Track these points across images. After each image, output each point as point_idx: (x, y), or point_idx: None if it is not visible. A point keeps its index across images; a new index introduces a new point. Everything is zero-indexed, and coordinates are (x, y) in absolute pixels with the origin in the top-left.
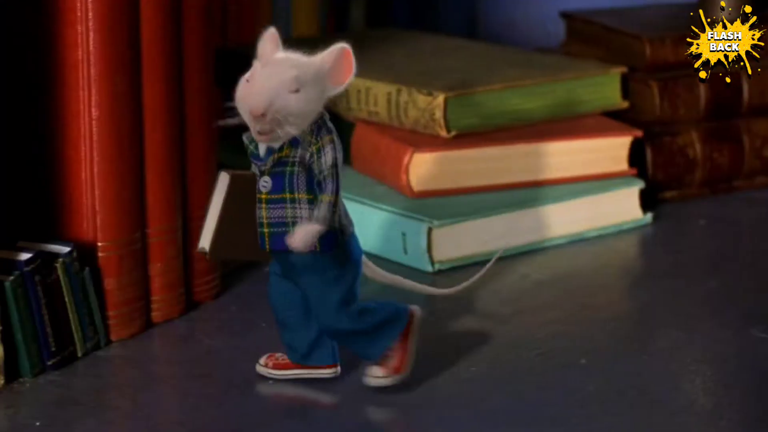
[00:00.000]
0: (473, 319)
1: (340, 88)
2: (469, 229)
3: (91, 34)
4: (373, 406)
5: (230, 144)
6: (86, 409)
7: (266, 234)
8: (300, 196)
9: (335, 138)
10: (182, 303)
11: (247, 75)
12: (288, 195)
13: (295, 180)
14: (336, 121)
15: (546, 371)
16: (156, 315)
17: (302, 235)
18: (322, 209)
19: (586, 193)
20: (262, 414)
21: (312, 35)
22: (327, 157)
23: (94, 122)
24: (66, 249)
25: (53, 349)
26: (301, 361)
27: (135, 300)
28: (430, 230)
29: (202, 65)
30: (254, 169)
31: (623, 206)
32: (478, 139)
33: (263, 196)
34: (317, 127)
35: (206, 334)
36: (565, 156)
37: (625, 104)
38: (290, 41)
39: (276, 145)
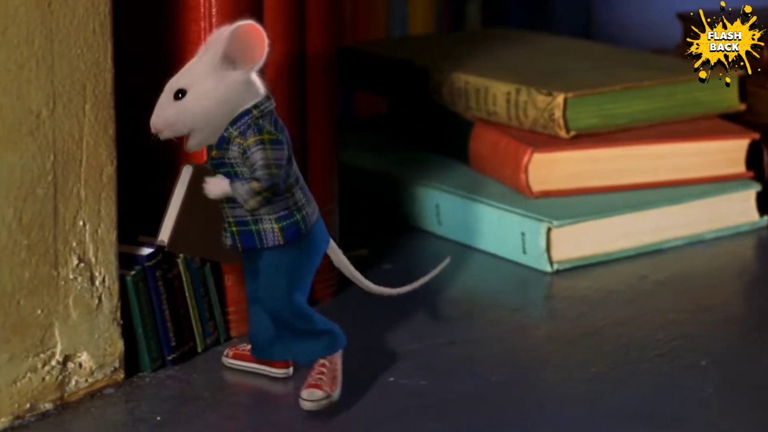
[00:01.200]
0: (593, 319)
1: (253, 68)
2: (588, 229)
3: (215, 30)
4: (492, 403)
5: (352, 141)
6: (206, 405)
7: (235, 233)
8: None
9: (266, 136)
10: None
11: None
12: None
13: (238, 180)
14: (455, 120)
15: (665, 372)
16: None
17: (213, 186)
18: (241, 190)
19: (704, 195)
20: (387, 408)
21: (427, 34)
22: (254, 157)
23: None
24: None
25: (173, 344)
26: (256, 356)
27: None
28: (549, 230)
29: (325, 64)
30: None
31: (740, 209)
32: (597, 140)
33: (222, 198)
34: (246, 127)
35: None
36: (682, 158)
37: (742, 107)
38: (406, 39)
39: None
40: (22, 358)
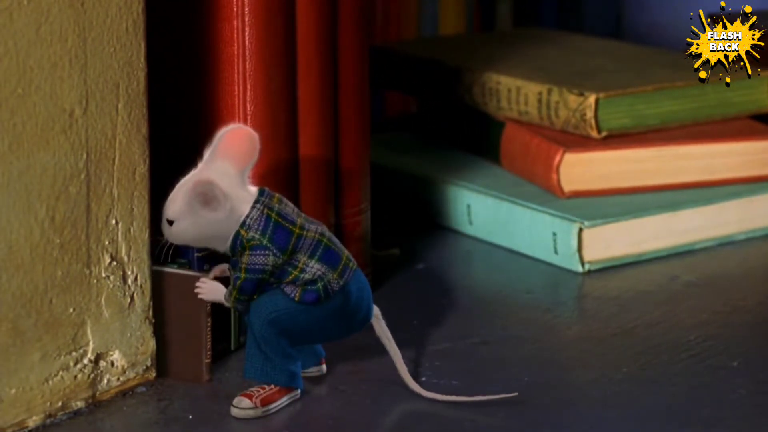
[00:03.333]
0: (624, 320)
1: (250, 165)
2: (620, 229)
3: (247, 29)
4: (524, 403)
5: (382, 141)
6: None
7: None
8: (273, 281)
9: (247, 244)
10: None
11: None
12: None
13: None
14: (486, 120)
15: (698, 373)
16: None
17: (209, 289)
18: (229, 293)
19: (735, 196)
20: (419, 408)
21: (458, 34)
22: (242, 263)
23: (248, 117)
24: None
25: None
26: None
27: None
28: (580, 230)
29: (357, 62)
30: None
31: None
32: (628, 140)
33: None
34: (235, 242)
35: None
36: (713, 158)
37: None
38: (437, 39)
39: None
40: (54, 357)
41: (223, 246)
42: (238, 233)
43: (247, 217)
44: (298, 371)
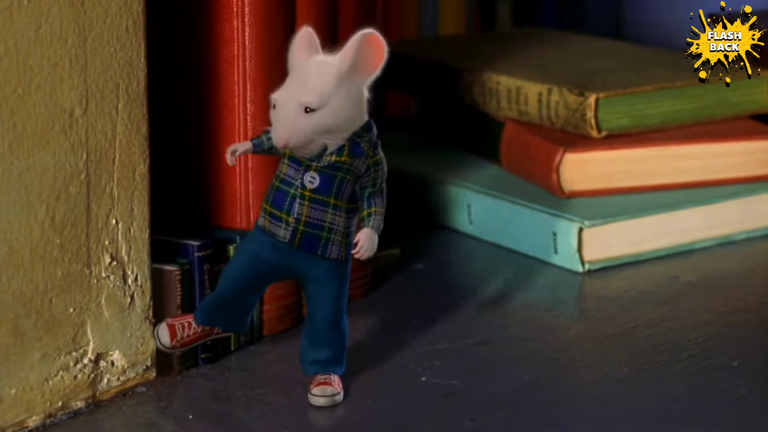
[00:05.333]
0: (624, 320)
1: (372, 76)
2: (620, 229)
3: (247, 29)
4: (525, 403)
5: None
6: (238, 403)
7: (299, 231)
8: (342, 204)
9: (382, 155)
10: None
11: (274, 95)
12: (333, 200)
13: (343, 187)
14: (486, 120)
15: (698, 373)
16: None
17: (370, 244)
18: (379, 220)
19: (735, 195)
20: (419, 407)
21: (458, 34)
22: (383, 171)
23: (248, 117)
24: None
25: (208, 343)
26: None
27: (288, 295)
28: (581, 230)
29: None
30: (288, 159)
31: None
32: (628, 140)
33: (306, 192)
34: (373, 142)
35: (357, 330)
36: (713, 158)
37: None
38: (437, 39)
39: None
40: (54, 357)
41: (334, 144)
42: (373, 127)
43: (370, 131)
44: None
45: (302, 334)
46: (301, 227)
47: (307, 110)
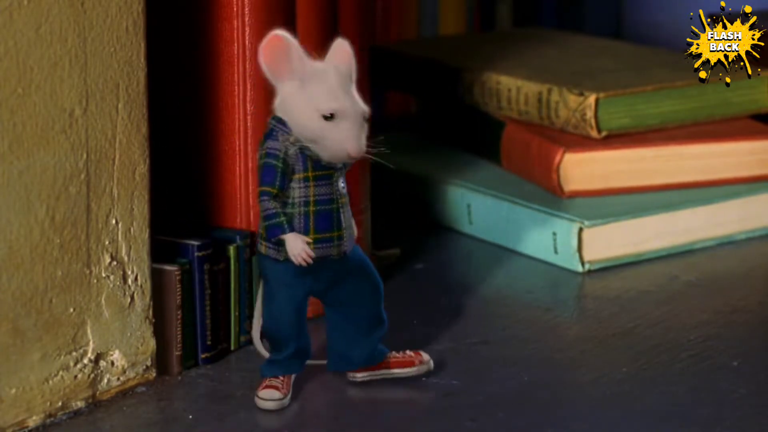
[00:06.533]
0: (624, 319)
1: None
2: (620, 229)
3: (247, 29)
4: (525, 403)
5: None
6: (239, 403)
7: (344, 237)
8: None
9: None
10: None
11: (323, 108)
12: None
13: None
14: (486, 120)
15: (698, 373)
16: (311, 309)
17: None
18: None
19: (735, 195)
20: (420, 407)
21: (458, 34)
22: None
23: (249, 117)
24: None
25: (209, 343)
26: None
27: None
28: (580, 230)
29: (358, 61)
30: (313, 180)
31: None
32: (628, 140)
33: (343, 199)
34: None
35: None
36: (713, 158)
37: None
38: (437, 39)
39: None
40: (55, 357)
41: None
42: None
43: None
44: None
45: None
46: (351, 231)
47: (364, 119)
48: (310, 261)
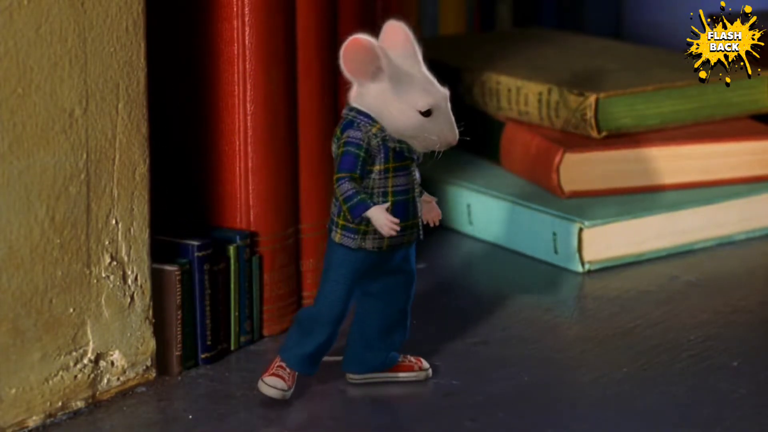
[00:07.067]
0: (624, 320)
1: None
2: (620, 229)
3: (247, 29)
4: (525, 403)
5: None
6: (239, 403)
7: (418, 225)
8: None
9: None
10: None
11: (421, 106)
12: None
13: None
14: (486, 119)
15: (697, 373)
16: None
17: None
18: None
19: (735, 196)
20: (420, 407)
21: (458, 33)
22: None
23: (249, 117)
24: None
25: (209, 343)
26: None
27: (287, 295)
28: (580, 230)
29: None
30: (393, 172)
31: None
32: (628, 141)
33: (418, 190)
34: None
35: None
36: (713, 159)
37: None
38: (437, 39)
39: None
40: (54, 357)
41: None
42: None
43: None
44: None
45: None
46: (419, 220)
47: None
48: (398, 228)
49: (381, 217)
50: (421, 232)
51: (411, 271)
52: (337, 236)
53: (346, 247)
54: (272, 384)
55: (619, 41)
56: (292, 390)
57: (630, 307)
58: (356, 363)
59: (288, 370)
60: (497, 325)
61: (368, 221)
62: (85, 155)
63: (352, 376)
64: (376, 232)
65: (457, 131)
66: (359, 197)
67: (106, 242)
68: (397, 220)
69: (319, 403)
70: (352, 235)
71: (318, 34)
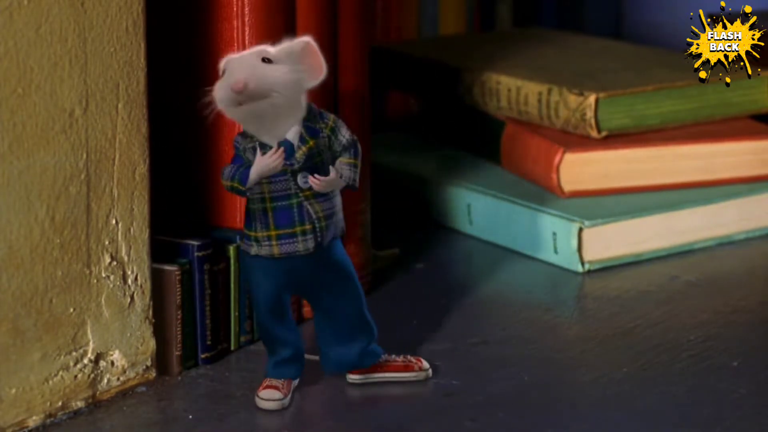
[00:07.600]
0: (624, 320)
1: (314, 83)
2: (620, 229)
3: (247, 29)
4: (525, 403)
5: (383, 141)
6: (239, 403)
7: (322, 229)
8: None
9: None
10: None
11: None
12: None
13: (326, 168)
14: (486, 119)
15: (697, 373)
16: (307, 310)
17: (328, 182)
18: (348, 169)
19: (735, 195)
20: (420, 407)
21: (458, 34)
22: (343, 129)
23: None
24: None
25: (209, 343)
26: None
27: None
28: (580, 230)
29: (357, 62)
30: (265, 168)
31: None
32: (628, 140)
33: (307, 192)
34: (318, 112)
35: None
36: (713, 158)
37: None
38: (437, 39)
39: (291, 138)
40: (54, 357)
41: (291, 108)
42: (309, 125)
43: (311, 111)
44: None
45: (323, 339)
46: (322, 224)
47: (264, 61)
48: (282, 156)
49: (263, 162)
50: (317, 238)
51: (351, 281)
52: (242, 243)
53: (246, 253)
54: (267, 397)
55: (619, 41)
56: (289, 397)
57: (630, 307)
58: (329, 363)
59: (280, 380)
60: (497, 325)
61: (258, 227)
62: (85, 155)
63: (352, 376)
64: (267, 238)
65: (233, 78)
66: (239, 169)
67: (106, 242)
68: (280, 150)
69: (319, 403)
70: (249, 242)
71: (318, 35)
